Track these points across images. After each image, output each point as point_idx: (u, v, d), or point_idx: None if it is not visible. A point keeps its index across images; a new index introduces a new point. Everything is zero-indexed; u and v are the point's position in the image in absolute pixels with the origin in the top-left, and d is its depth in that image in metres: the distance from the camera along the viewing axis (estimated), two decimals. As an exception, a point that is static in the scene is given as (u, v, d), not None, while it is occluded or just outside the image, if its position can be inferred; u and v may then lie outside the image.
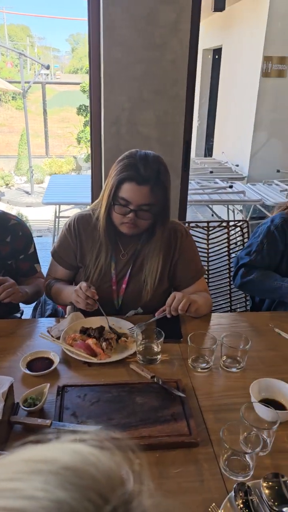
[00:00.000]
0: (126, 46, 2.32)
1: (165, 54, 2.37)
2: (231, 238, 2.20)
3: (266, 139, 5.18)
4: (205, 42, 7.39)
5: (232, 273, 1.97)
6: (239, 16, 5.76)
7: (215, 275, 2.25)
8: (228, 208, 4.86)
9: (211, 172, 5.11)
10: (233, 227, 2.18)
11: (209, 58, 7.58)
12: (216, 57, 7.39)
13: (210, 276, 2.24)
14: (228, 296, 2.26)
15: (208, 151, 7.90)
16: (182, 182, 2.63)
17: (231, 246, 2.21)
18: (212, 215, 5.51)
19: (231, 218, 4.87)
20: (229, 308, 2.27)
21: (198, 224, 2.20)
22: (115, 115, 2.44)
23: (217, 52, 7.13)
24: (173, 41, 2.35)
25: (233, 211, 5.02)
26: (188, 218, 2.84)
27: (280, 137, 5.21)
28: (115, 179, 1.43)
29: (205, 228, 2.20)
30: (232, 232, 2.22)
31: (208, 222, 2.21)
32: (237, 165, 5.61)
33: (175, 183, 2.56)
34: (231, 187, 4.33)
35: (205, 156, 7.94)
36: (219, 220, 4.81)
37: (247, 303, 2.20)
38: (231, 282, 2.18)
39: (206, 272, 2.23)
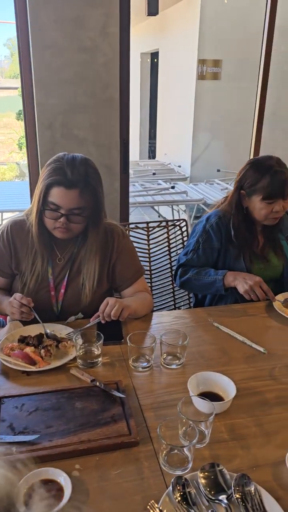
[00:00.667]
0: (55, 49, 2.30)
1: (96, 58, 2.37)
2: (170, 237, 2.24)
3: (206, 140, 5.32)
4: (143, 45, 7.49)
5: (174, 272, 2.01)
6: (173, 20, 5.89)
7: (157, 274, 2.28)
8: (172, 209, 4.94)
9: (154, 173, 5.18)
10: (172, 227, 2.22)
11: (148, 62, 7.69)
12: (155, 60, 7.50)
13: (153, 275, 2.27)
14: (172, 294, 2.29)
15: (152, 153, 8.00)
16: (122, 184, 2.64)
17: (172, 245, 2.25)
18: (159, 216, 5.58)
19: (176, 218, 4.95)
20: (173, 306, 2.30)
21: (138, 225, 2.22)
22: (49, 119, 2.41)
23: (155, 55, 7.25)
24: (103, 45, 2.36)
25: (178, 211, 5.12)
26: (134, 220, 2.86)
27: (218, 137, 5.37)
28: (43, 184, 1.41)
29: (145, 229, 2.22)
30: (172, 231, 2.26)
31: (147, 222, 2.24)
32: (180, 166, 5.73)
33: (115, 185, 2.57)
34: (173, 187, 4.41)
35: (149, 158, 8.03)
36: (159, 220, 4.90)
37: (190, 300, 2.25)
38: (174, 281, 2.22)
39: (149, 272, 2.25)
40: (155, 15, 5.31)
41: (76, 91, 2.40)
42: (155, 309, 2.16)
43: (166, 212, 5.60)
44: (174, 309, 2.31)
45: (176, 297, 2.30)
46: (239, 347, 1.47)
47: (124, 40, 2.42)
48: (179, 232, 2.24)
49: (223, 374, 1.21)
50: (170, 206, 4.86)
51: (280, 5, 2.83)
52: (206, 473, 0.92)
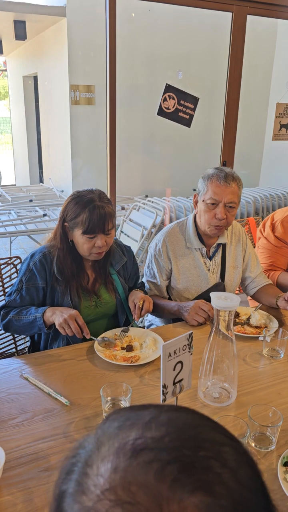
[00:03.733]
0: None
1: None
2: (4, 277, 2.08)
3: (83, 164, 5.28)
4: (24, 68, 7.34)
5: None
6: (46, 45, 5.84)
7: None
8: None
9: (31, 200, 4.99)
10: (4, 265, 2.06)
11: (31, 85, 7.54)
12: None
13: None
14: (12, 338, 2.13)
15: (41, 178, 7.81)
16: None
17: (6, 286, 2.09)
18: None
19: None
20: (14, 350, 2.14)
21: None
22: None
23: (37, 79, 7.14)
24: None
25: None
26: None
27: (95, 161, 5.36)
28: None
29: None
30: (7, 269, 2.10)
31: (-23, 262, 2.06)
32: (62, 191, 5.62)
33: None
34: (45, 215, 4.27)
35: (40, 183, 7.83)
36: None
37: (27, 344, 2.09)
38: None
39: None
40: (23, 39, 5.22)
41: None
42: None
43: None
44: (15, 353, 2.14)
45: (17, 339, 2.14)
46: (41, 401, 1.34)
47: None
48: (14, 270, 2.09)
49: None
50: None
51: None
52: None
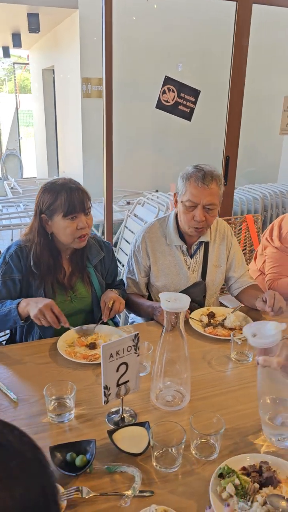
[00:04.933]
0: None
1: None
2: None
3: (92, 157, 5.26)
4: (43, 61, 7.38)
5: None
6: (61, 38, 5.84)
7: None
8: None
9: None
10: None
11: (49, 77, 7.58)
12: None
13: None
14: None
15: (58, 171, 7.87)
16: None
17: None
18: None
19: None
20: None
21: None
22: None
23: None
24: None
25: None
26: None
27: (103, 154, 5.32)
28: None
29: None
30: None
31: None
32: (74, 184, 5.64)
33: None
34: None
35: (55, 176, 7.89)
36: None
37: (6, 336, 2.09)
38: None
39: None
40: (37, 32, 5.23)
41: None
42: None
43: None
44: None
45: (-3, 332, 2.14)
46: (-9, 397, 1.33)
47: None
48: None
49: None
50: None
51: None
52: None
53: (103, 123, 2.94)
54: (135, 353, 1.21)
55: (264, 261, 2.21)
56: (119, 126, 5.14)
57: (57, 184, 1.70)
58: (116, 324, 2.02)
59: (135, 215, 4.07)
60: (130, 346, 1.19)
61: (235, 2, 2.93)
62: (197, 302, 1.98)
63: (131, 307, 2.00)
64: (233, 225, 2.84)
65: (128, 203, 4.49)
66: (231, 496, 0.98)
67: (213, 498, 0.98)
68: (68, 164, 6.19)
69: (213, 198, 1.80)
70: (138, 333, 1.19)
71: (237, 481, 1.00)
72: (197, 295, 1.98)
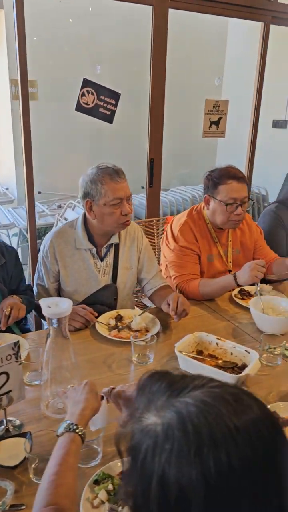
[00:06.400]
0: None
1: None
2: None
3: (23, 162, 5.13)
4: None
5: None
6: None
7: None
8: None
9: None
10: None
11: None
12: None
13: None
14: None
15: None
16: None
17: None
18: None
19: None
20: None
21: None
22: None
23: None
24: None
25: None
26: None
27: (38, 159, 5.22)
28: None
29: None
30: None
31: None
32: (7, 188, 5.47)
33: None
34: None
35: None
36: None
37: None
38: None
39: None
40: None
41: None
42: None
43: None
44: None
45: None
46: None
47: None
48: None
49: None
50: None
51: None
52: None
53: (20, 124, 2.86)
54: (16, 361, 1.17)
55: (166, 266, 2.21)
56: (53, 127, 5.08)
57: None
58: (28, 330, 1.98)
59: (65, 219, 4.01)
60: (10, 355, 1.15)
61: (151, 6, 2.96)
62: (107, 305, 1.96)
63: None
64: (155, 227, 2.86)
65: (59, 206, 4.42)
66: (103, 502, 0.97)
67: (85, 505, 0.96)
68: (2, 168, 6.01)
69: (129, 190, 1.85)
70: (18, 341, 1.16)
71: (110, 487, 0.99)
72: (107, 298, 1.96)
